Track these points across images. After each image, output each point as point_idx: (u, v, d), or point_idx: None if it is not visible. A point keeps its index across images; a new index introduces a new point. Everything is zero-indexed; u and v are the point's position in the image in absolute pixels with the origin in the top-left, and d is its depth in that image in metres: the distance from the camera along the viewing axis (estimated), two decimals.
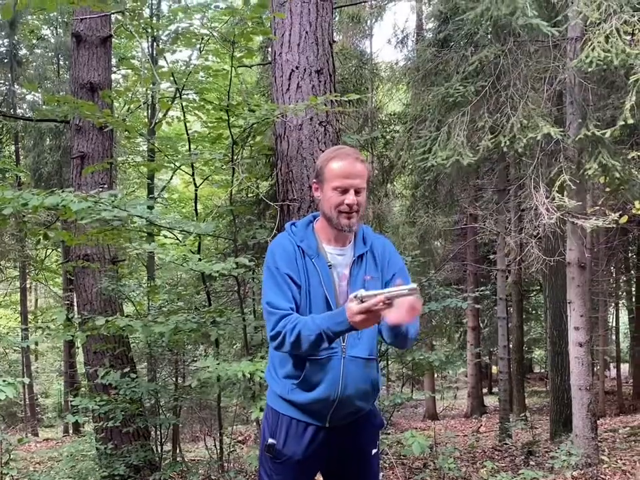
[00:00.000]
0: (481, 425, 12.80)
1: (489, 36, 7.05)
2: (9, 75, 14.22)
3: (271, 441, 2.33)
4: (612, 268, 15.23)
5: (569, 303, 6.87)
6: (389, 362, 7.70)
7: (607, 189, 7.05)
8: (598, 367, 14.96)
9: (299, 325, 2.11)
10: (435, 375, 17.41)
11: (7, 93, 14.80)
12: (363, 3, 12.98)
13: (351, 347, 2.25)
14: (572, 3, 6.34)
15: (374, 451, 2.43)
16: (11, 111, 14.61)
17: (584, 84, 6.52)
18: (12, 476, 5.47)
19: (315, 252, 2.28)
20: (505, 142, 6.50)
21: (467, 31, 7.31)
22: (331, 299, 2.23)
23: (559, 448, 6.82)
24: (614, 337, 18.02)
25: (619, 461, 7.10)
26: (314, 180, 2.34)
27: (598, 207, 7.11)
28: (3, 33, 13.88)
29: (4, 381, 3.62)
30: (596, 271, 12.12)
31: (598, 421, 8.00)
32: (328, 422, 2.29)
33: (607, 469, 6.59)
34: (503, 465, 7.52)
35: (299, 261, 2.26)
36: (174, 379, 6.95)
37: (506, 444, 9.17)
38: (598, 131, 6.11)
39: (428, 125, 8.17)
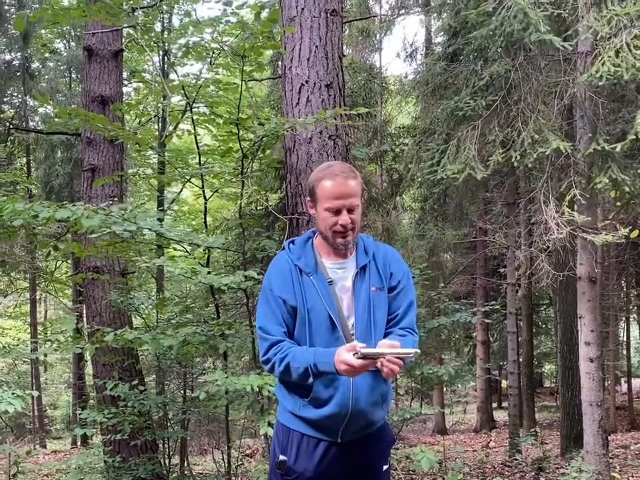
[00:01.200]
0: (491, 440, 12.68)
1: (499, 50, 7.05)
2: (22, 88, 14.36)
3: (281, 457, 2.32)
4: (622, 282, 15.13)
5: (580, 317, 6.83)
6: (398, 376, 7.65)
7: (617, 204, 7.01)
8: (609, 382, 14.83)
9: (289, 355, 2.13)
10: (444, 389, 17.28)
11: (20, 105, 14.96)
12: (373, 17, 13.06)
13: None
14: (582, 17, 6.34)
15: (385, 467, 2.41)
16: (23, 123, 14.76)
17: (594, 98, 6.51)
18: None
19: (313, 269, 2.26)
20: (516, 157, 6.49)
21: (477, 46, 7.30)
22: (334, 316, 2.22)
23: (569, 464, 6.73)
24: (625, 352, 17.87)
25: (630, 478, 7.03)
26: (307, 198, 2.33)
27: (608, 222, 7.08)
28: (16, 46, 14.04)
29: (13, 393, 3.62)
30: (606, 285, 12.04)
31: (609, 437, 7.91)
32: (340, 437, 2.27)
33: None
34: None
35: (295, 280, 2.25)
36: (182, 392, 6.94)
37: (516, 459, 9.09)
38: (608, 145, 6.10)
39: (437, 138, 8.17)
